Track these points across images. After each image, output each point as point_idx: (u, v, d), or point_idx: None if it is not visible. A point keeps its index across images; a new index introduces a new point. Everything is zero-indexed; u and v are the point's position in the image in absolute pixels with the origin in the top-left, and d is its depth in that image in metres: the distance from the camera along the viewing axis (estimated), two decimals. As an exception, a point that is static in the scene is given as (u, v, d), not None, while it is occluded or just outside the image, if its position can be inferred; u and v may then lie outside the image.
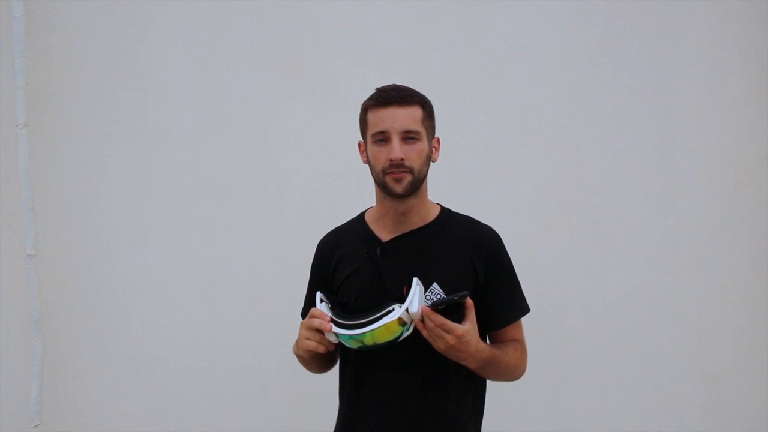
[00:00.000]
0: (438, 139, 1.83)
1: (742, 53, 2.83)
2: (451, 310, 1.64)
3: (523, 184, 2.80)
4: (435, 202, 1.88)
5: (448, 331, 1.61)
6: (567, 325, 2.80)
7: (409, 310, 1.62)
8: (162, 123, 2.73)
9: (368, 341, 1.64)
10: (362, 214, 1.89)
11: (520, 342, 1.84)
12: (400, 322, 1.62)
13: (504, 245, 1.85)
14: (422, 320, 1.62)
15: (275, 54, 2.74)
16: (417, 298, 1.62)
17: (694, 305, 2.84)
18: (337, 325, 1.66)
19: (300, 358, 1.84)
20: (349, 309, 1.73)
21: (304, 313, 1.93)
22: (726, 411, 2.84)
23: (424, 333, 1.63)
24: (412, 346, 1.69)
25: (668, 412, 2.82)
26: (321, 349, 1.68)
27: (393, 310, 1.62)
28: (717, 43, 2.84)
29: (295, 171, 2.73)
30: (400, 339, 1.65)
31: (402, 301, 1.64)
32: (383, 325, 1.61)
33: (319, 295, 1.74)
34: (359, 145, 1.83)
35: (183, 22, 2.73)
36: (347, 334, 1.64)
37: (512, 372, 1.82)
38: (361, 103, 1.81)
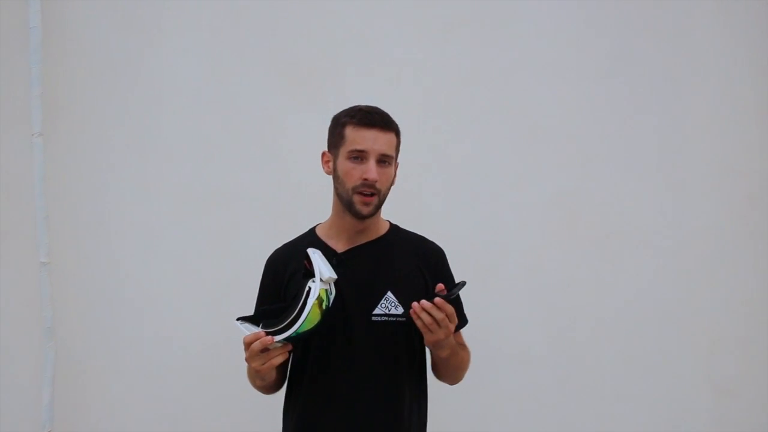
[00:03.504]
0: (397, 165, 1.89)
1: (751, 65, 2.84)
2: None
3: (532, 196, 2.80)
4: (384, 218, 1.93)
5: (452, 321, 1.68)
6: (576, 336, 2.80)
7: (322, 278, 1.67)
8: (174, 132, 2.76)
9: (294, 335, 1.67)
10: (312, 230, 1.94)
11: (465, 346, 1.93)
12: (319, 302, 1.66)
13: (447, 260, 1.94)
14: (419, 313, 1.66)
15: (287, 64, 2.77)
16: (322, 265, 1.69)
17: (704, 317, 2.83)
18: (271, 334, 1.67)
19: (263, 388, 1.87)
20: (267, 312, 1.75)
21: None
22: (736, 424, 2.82)
23: (424, 321, 1.66)
24: (370, 357, 1.77)
25: (678, 425, 2.81)
26: (278, 361, 1.69)
27: (309, 289, 1.67)
28: (726, 56, 2.84)
29: (306, 180, 2.73)
30: (330, 307, 1.70)
31: (308, 276, 1.69)
32: (305, 319, 1.65)
33: (237, 323, 1.73)
34: (323, 155, 1.88)
35: (195, 33, 2.76)
36: (283, 338, 1.67)
37: (464, 369, 1.91)
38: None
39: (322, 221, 1.95)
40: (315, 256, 1.71)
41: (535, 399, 2.78)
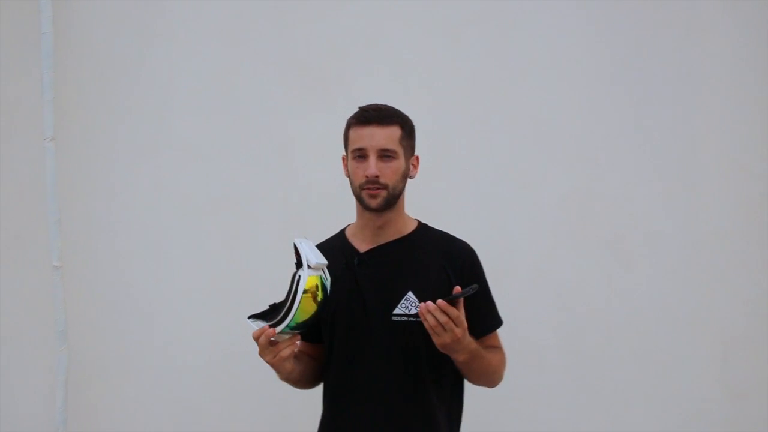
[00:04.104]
0: (417, 157, 1.89)
1: (763, 64, 2.82)
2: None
3: (543, 197, 2.79)
4: (413, 217, 1.92)
5: (459, 324, 1.66)
6: (587, 339, 2.78)
7: (310, 265, 1.67)
8: (185, 136, 2.77)
9: (293, 324, 1.67)
10: (342, 230, 1.95)
11: (498, 348, 1.90)
12: (313, 288, 1.66)
13: (479, 260, 1.90)
14: (425, 314, 1.65)
15: (297, 67, 2.78)
16: (309, 252, 1.69)
17: (717, 320, 2.80)
18: (272, 326, 1.68)
19: (289, 381, 1.87)
20: (275, 307, 1.74)
21: None
22: (749, 428, 2.79)
23: (429, 323, 1.65)
24: (390, 357, 1.77)
25: (690, 428, 2.78)
26: (286, 353, 1.69)
27: (299, 278, 1.67)
28: (738, 55, 2.82)
29: (315, 182, 2.75)
30: (329, 293, 1.69)
31: (299, 266, 1.69)
32: (298, 308, 1.65)
33: (249, 321, 1.75)
34: (343, 159, 1.90)
35: (205, 37, 2.78)
36: (283, 328, 1.67)
37: (493, 373, 1.87)
38: None
39: (352, 222, 1.95)
40: (302, 245, 1.71)
41: (545, 400, 2.77)
